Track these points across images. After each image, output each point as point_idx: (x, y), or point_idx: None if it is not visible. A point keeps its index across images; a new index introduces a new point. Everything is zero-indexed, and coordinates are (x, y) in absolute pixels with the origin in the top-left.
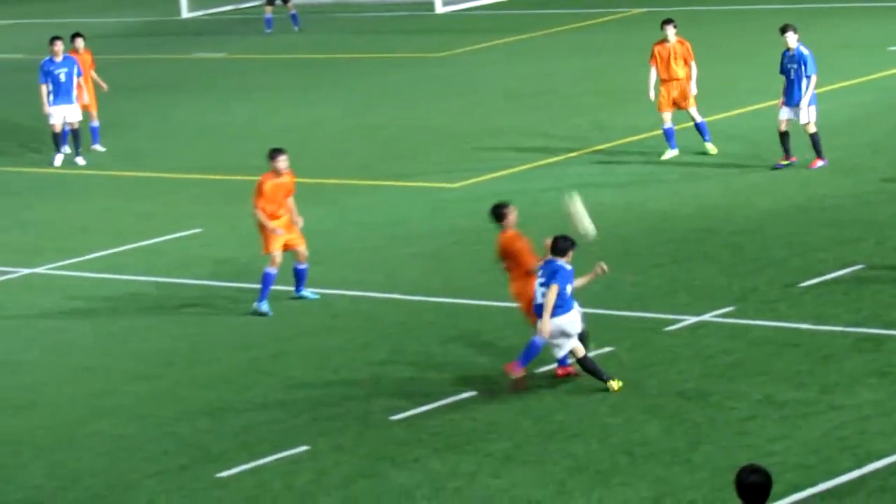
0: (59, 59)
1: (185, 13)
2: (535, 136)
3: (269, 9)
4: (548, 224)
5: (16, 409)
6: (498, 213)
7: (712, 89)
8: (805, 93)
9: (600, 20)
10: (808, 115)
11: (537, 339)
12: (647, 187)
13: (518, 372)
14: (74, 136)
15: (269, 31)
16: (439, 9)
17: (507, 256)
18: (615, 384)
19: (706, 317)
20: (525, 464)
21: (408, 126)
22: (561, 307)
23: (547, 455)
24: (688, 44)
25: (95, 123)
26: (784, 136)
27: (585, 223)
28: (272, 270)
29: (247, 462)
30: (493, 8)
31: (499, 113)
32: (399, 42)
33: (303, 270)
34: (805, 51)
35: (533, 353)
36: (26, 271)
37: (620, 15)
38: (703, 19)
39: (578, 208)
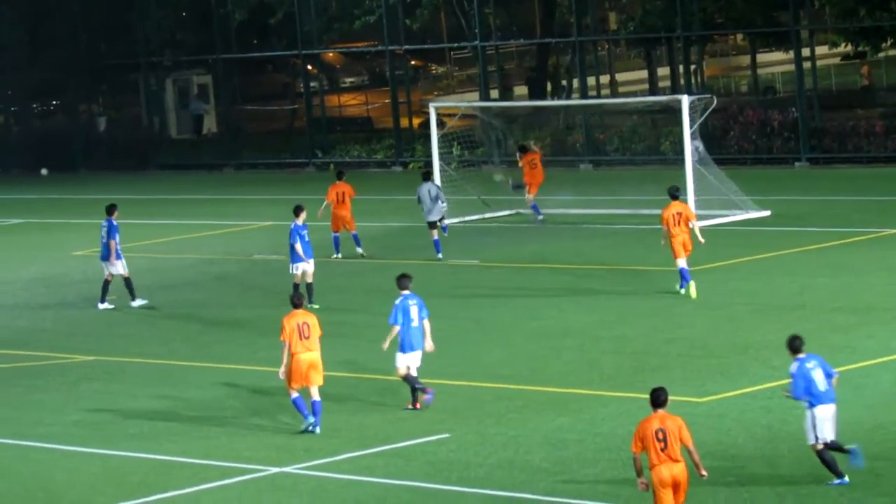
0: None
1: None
2: (784, 353)
3: (433, 232)
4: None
5: None
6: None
7: None
8: None
9: (854, 239)
10: None
11: None
12: None
13: None
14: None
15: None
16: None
17: None
18: None
19: None
20: None
21: (657, 339)
22: None
23: None
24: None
25: None
26: None
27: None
28: None
29: None
30: (745, 224)
31: (748, 328)
32: (648, 254)
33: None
34: None
35: None
36: (275, 470)
37: (874, 235)
38: None
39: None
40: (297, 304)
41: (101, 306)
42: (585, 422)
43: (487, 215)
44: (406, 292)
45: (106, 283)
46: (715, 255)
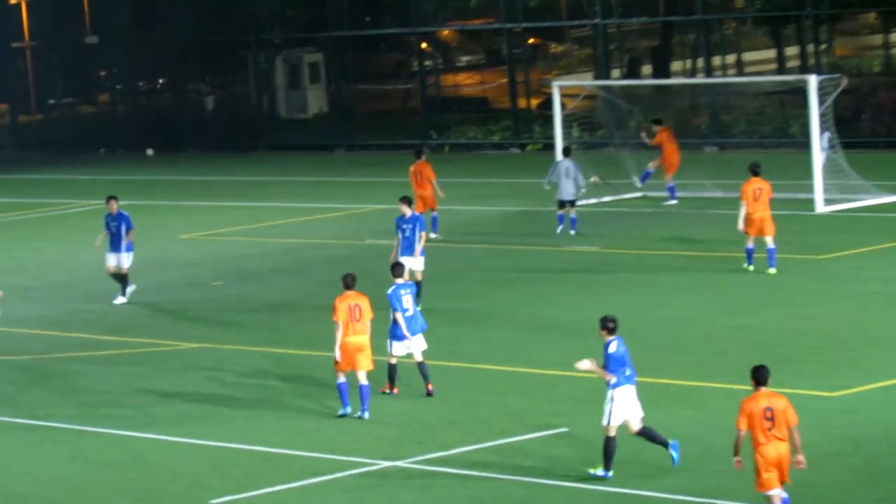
0: None
1: None
2: None
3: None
4: None
5: None
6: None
7: None
8: None
9: None
10: None
11: None
12: None
13: None
14: None
15: (559, 233)
16: (820, 208)
17: None
18: None
19: None
20: None
21: (786, 329)
22: None
23: None
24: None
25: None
26: None
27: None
28: None
29: None
30: (880, 210)
31: (881, 319)
32: (778, 242)
33: None
34: None
35: None
36: (386, 464)
37: None
38: None
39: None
40: (349, 285)
41: (125, 295)
42: (710, 416)
43: (609, 199)
44: (399, 281)
45: (124, 277)
46: (845, 242)
